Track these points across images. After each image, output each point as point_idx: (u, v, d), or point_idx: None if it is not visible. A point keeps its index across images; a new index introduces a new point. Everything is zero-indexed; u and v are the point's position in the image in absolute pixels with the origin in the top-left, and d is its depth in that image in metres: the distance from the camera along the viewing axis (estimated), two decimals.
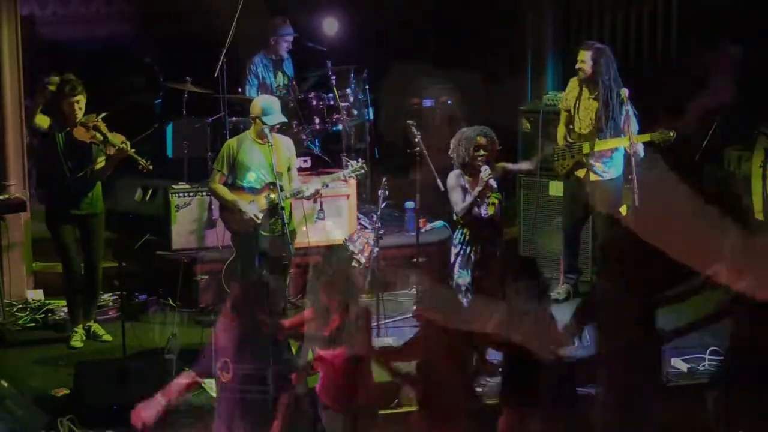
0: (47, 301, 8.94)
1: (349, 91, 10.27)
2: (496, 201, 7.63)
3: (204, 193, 9.10)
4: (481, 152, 7.55)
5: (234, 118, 9.75)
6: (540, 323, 5.58)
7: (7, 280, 8.94)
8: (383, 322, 8.28)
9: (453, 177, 7.66)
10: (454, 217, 7.71)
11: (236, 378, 5.68)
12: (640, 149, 8.32)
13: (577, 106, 8.63)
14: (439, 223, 9.59)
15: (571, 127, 8.69)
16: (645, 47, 10.53)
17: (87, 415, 6.94)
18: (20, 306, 8.89)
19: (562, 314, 6.10)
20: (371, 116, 10.48)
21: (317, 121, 10.07)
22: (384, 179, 8.58)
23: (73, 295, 8.32)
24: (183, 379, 5.93)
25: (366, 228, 9.33)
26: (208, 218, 9.14)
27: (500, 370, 5.92)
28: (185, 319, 8.48)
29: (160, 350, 7.67)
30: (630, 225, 6.64)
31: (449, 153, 7.67)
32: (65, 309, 8.51)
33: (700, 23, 9.96)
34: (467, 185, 7.58)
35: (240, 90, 10.16)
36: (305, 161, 9.79)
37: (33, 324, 8.68)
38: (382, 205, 8.58)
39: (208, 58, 9.55)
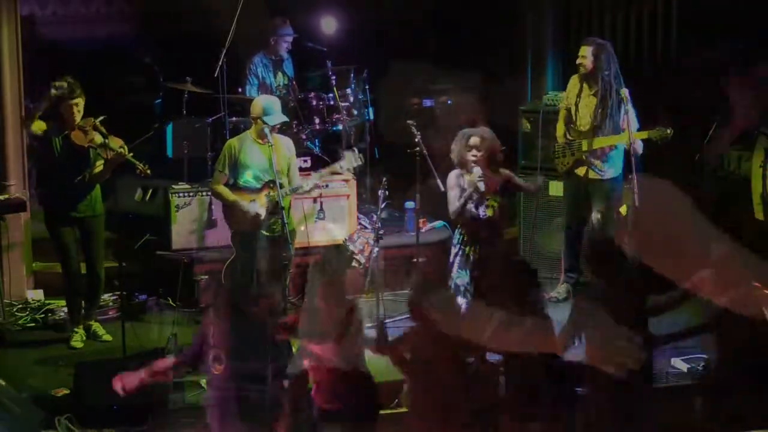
0: (47, 301, 8.94)
1: (349, 91, 10.28)
2: (495, 204, 7.60)
3: (204, 193, 9.09)
4: (474, 152, 7.50)
5: (234, 118, 9.76)
6: (536, 326, 5.56)
7: (7, 280, 8.94)
8: (383, 322, 8.26)
9: (452, 177, 7.65)
10: (452, 217, 7.71)
11: (228, 373, 5.71)
12: (639, 147, 8.34)
13: (577, 103, 8.64)
14: (439, 223, 9.58)
15: (571, 125, 8.70)
16: (645, 47, 10.51)
17: (87, 415, 6.95)
18: (20, 306, 8.89)
19: (562, 314, 6.08)
20: (371, 116, 10.49)
21: (317, 121, 10.08)
22: (384, 179, 8.57)
23: (73, 296, 8.32)
24: (168, 361, 6.18)
25: (366, 228, 9.33)
26: (208, 218, 9.14)
27: (500, 370, 5.92)
28: (185, 319, 8.48)
29: (160, 350, 7.65)
30: (622, 227, 6.61)
31: (450, 154, 7.68)
32: (65, 309, 8.51)
33: (700, 23, 9.95)
34: (466, 185, 7.57)
35: (240, 90, 10.17)
36: (305, 161, 9.78)
37: (33, 324, 8.68)
38: (382, 205, 8.58)
39: (208, 58, 9.56)
